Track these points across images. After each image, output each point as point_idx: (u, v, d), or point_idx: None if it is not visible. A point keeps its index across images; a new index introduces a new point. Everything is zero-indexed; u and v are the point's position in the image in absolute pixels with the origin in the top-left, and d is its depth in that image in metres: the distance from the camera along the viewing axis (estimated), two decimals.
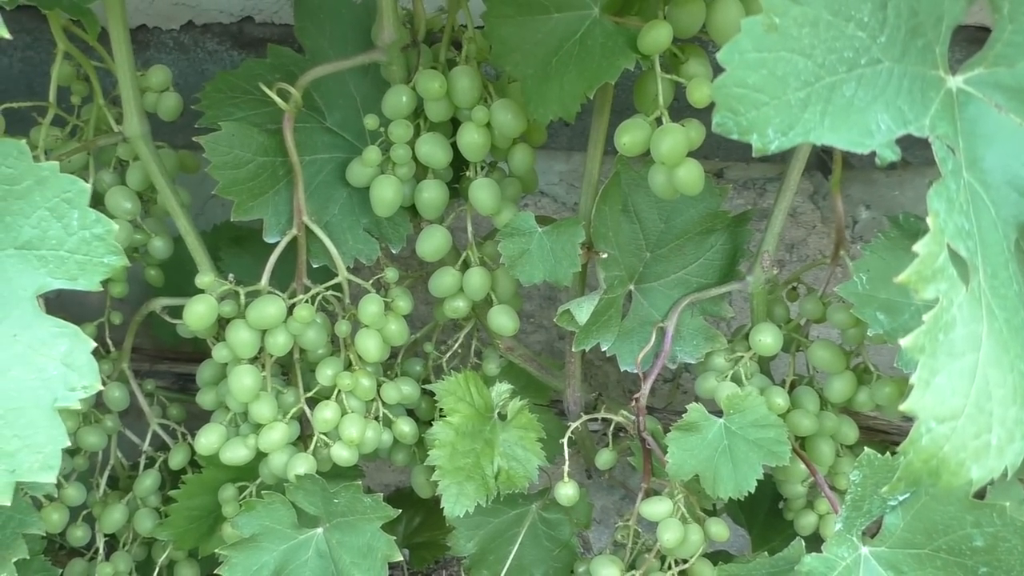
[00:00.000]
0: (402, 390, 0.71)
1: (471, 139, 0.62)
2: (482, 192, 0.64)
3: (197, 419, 0.73)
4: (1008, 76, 0.38)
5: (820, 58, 0.36)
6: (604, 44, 0.54)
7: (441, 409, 0.69)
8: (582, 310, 0.64)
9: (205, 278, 0.65)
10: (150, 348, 0.92)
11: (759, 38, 0.35)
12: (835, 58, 0.36)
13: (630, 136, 0.55)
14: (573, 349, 0.67)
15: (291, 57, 0.71)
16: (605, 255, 0.64)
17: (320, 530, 0.67)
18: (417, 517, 1.01)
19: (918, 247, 0.32)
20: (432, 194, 0.65)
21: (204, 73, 0.93)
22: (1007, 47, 0.37)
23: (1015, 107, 0.38)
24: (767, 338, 0.65)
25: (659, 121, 0.55)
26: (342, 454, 0.67)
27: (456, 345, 0.76)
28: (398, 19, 0.63)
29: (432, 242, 0.67)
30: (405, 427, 0.71)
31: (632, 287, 0.68)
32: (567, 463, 0.69)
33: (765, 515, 0.83)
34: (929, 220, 0.32)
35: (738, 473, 0.62)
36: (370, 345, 0.65)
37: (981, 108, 0.38)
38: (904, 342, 0.32)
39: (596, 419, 0.74)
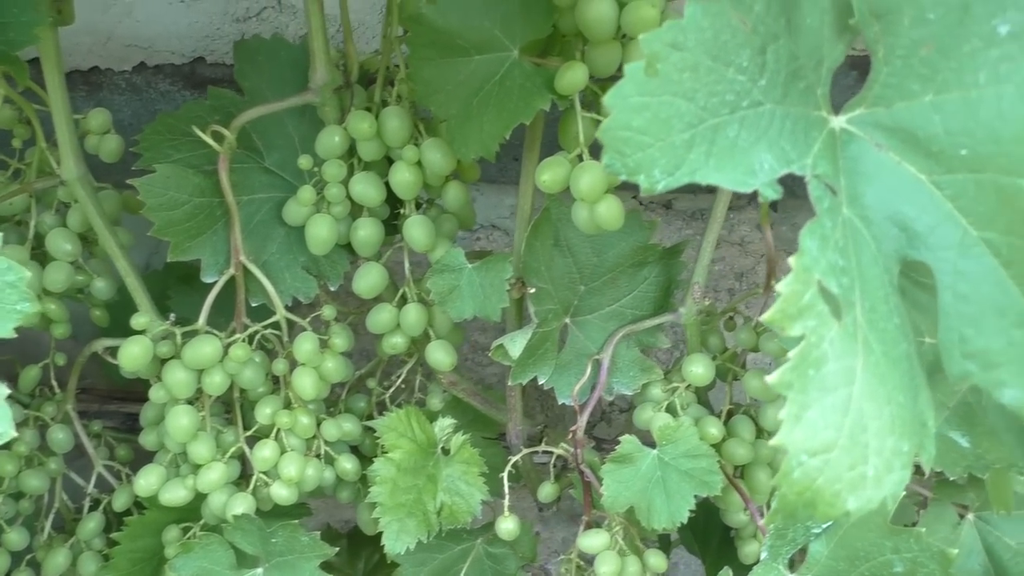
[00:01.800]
0: (343, 427, 0.71)
1: (402, 178, 0.63)
2: (416, 229, 0.65)
3: (147, 459, 0.73)
4: (886, 116, 0.39)
5: (702, 101, 0.37)
6: (522, 85, 0.55)
7: (383, 445, 0.69)
8: (515, 344, 0.65)
9: (141, 319, 0.66)
10: (103, 388, 0.92)
11: (641, 83, 0.36)
12: (717, 101, 0.37)
13: (550, 173, 0.56)
14: (509, 383, 0.68)
15: (231, 99, 0.72)
16: (534, 290, 0.65)
17: (259, 570, 0.66)
18: (376, 554, 1.00)
19: (780, 287, 0.33)
20: (367, 232, 0.66)
21: (157, 113, 0.94)
22: (884, 88, 0.39)
23: (894, 145, 0.39)
24: (699, 368, 0.66)
25: (580, 158, 0.56)
26: (281, 493, 0.67)
27: (400, 381, 0.77)
28: (330, 61, 0.64)
29: (368, 279, 0.67)
30: (347, 464, 0.71)
31: (568, 320, 0.69)
32: (507, 498, 0.69)
33: (718, 544, 0.84)
34: (791, 260, 0.33)
35: (671, 504, 0.62)
36: (306, 383, 0.66)
37: (863, 147, 0.40)
38: (770, 379, 0.33)
39: (541, 452, 0.74)
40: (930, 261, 0.38)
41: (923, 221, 0.38)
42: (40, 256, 0.72)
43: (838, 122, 0.40)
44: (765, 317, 0.33)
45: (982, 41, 0.35)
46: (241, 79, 0.72)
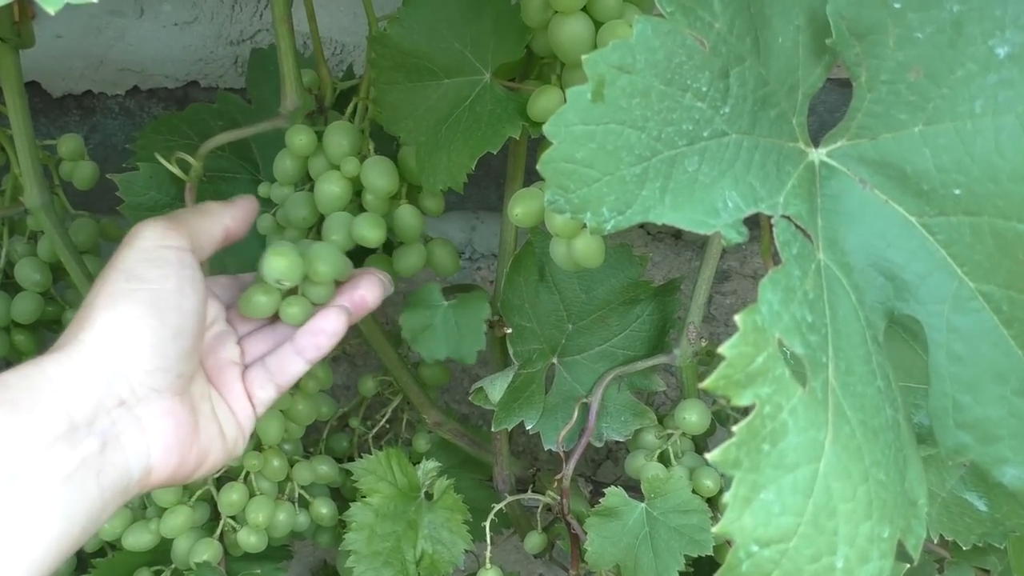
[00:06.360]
0: (317, 470, 0.67)
1: (328, 188, 0.58)
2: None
3: None
4: (871, 149, 0.34)
5: (655, 131, 0.33)
6: (492, 111, 0.51)
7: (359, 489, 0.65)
8: (495, 387, 0.61)
9: None
10: None
11: (586, 109, 0.32)
12: (673, 130, 0.33)
13: (523, 207, 0.51)
14: (493, 429, 0.63)
15: (238, 105, 0.71)
16: (510, 330, 0.60)
17: None
18: None
19: (724, 349, 0.28)
20: None
21: None
22: (867, 117, 0.34)
23: (879, 182, 0.34)
24: (692, 416, 0.61)
25: None
26: (250, 539, 0.63)
27: (384, 420, 0.73)
28: (301, 87, 0.61)
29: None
30: (323, 509, 0.68)
31: (555, 360, 0.65)
32: (488, 549, 0.65)
33: None
34: (739, 317, 0.29)
35: (659, 563, 0.57)
36: (270, 427, 0.62)
37: (845, 183, 0.35)
38: (712, 456, 0.28)
39: (527, 498, 0.70)
40: (921, 316, 0.34)
41: (913, 269, 0.34)
42: (11, 286, 0.69)
43: (817, 155, 0.35)
44: (705, 384, 0.28)
45: (977, 65, 0.30)
46: (250, 87, 0.71)
